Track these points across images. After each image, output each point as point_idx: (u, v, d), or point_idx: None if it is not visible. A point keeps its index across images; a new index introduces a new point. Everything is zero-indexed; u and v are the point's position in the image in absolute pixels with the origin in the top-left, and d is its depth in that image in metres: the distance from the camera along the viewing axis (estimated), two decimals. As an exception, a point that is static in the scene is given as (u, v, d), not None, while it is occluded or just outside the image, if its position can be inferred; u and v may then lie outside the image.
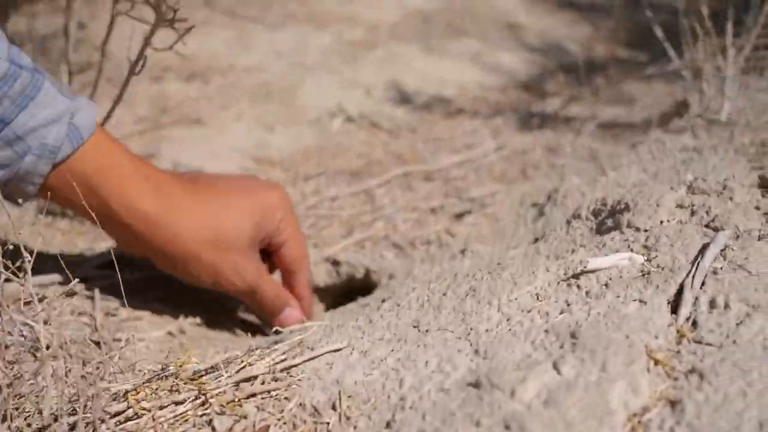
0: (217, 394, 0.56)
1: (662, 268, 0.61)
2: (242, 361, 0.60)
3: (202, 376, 0.60)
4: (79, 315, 0.79)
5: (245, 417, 0.54)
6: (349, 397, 0.55)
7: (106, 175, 0.71)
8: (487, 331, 0.58)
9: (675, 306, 0.57)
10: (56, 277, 0.80)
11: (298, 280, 0.84)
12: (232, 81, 1.46)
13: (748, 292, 0.55)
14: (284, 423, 0.54)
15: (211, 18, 1.76)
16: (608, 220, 0.73)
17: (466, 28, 1.85)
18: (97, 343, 0.72)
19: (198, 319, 0.84)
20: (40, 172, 0.68)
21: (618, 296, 0.58)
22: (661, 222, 0.68)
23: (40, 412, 0.52)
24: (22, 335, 0.60)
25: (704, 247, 0.62)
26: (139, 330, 0.80)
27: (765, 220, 0.67)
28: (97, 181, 0.70)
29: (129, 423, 0.54)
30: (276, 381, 0.58)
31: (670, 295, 0.57)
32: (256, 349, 0.64)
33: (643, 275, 0.60)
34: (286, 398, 0.56)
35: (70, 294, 0.81)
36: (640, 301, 0.57)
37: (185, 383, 0.58)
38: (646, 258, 0.62)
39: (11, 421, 0.53)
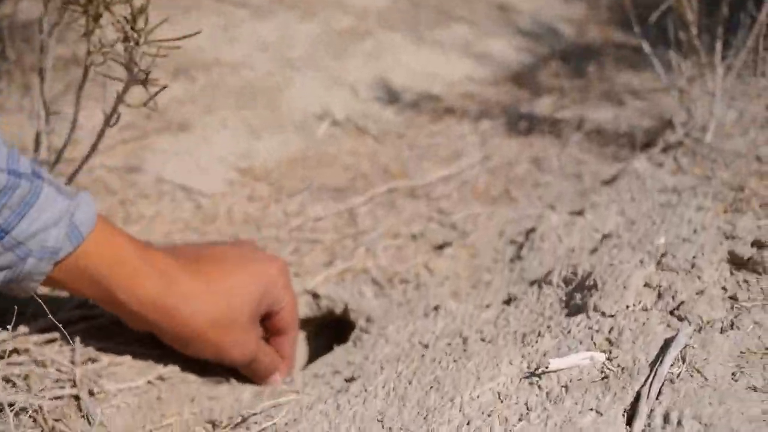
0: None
1: (622, 369, 0.62)
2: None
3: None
4: (59, 371, 0.80)
5: None
6: None
7: (111, 268, 0.72)
8: (447, 436, 0.59)
9: (630, 416, 0.58)
10: (40, 323, 0.81)
11: (286, 340, 0.86)
12: (217, 80, 1.45)
13: (702, 406, 0.56)
14: None
15: (198, 1, 1.74)
16: (577, 294, 0.74)
17: (457, 13, 1.83)
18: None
19: (177, 367, 0.85)
20: (42, 271, 0.70)
21: (576, 403, 0.59)
22: (627, 306, 0.69)
23: None
24: None
25: (665, 345, 0.63)
26: (118, 380, 0.81)
27: (729, 305, 0.68)
28: (102, 273, 0.72)
29: None
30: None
31: (627, 404, 0.59)
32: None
33: (603, 379, 0.61)
34: None
35: (51, 341, 0.82)
36: (597, 411, 0.58)
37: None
38: (607, 357, 0.63)
39: None
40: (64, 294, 0.91)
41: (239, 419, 0.71)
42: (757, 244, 0.75)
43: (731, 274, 0.72)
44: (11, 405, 0.69)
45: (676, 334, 0.64)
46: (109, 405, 0.76)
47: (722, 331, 0.64)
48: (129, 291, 0.74)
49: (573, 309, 0.73)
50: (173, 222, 1.10)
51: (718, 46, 1.11)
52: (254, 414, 0.71)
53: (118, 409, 0.77)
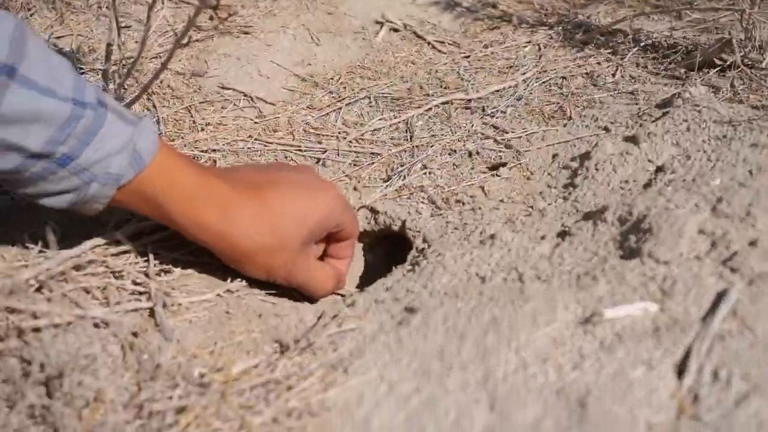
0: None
1: (674, 322, 0.65)
2: (284, 385, 0.67)
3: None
4: (134, 284, 0.85)
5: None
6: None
7: (170, 193, 0.76)
8: (504, 378, 0.63)
9: (680, 371, 0.61)
10: (99, 240, 0.85)
11: (347, 244, 0.91)
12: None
13: (750, 366, 0.59)
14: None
15: None
16: (631, 236, 0.76)
17: None
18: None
19: (244, 282, 0.89)
20: (106, 194, 0.74)
21: (629, 353, 0.63)
22: (681, 254, 0.71)
23: None
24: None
25: (717, 299, 0.66)
26: (190, 293, 0.86)
27: (783, 257, 0.70)
28: (162, 198, 0.76)
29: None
30: (311, 416, 0.64)
31: (677, 358, 0.62)
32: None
33: (655, 331, 0.64)
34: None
35: (126, 252, 0.86)
36: (648, 365, 0.61)
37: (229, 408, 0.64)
38: (659, 308, 0.66)
39: None
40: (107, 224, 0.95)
41: (305, 344, 0.75)
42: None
43: (786, 222, 0.73)
44: (93, 318, 0.74)
45: (728, 289, 0.66)
46: (182, 318, 0.81)
47: (773, 285, 0.66)
48: (187, 216, 0.78)
49: (627, 252, 0.75)
50: (237, 130, 1.13)
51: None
52: (319, 340, 0.75)
53: (190, 323, 0.82)
